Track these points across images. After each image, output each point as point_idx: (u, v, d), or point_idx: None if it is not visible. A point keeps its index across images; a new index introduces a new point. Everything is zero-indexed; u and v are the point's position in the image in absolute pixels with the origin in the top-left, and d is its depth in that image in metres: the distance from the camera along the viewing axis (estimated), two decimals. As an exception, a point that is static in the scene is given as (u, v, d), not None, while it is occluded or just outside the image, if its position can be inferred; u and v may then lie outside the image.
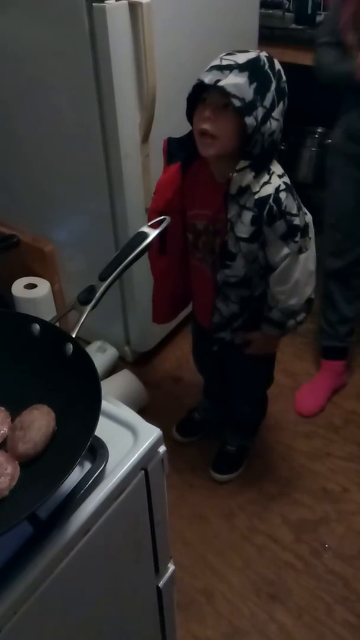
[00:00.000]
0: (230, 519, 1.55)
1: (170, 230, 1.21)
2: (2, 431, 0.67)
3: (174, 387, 1.94)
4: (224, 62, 1.02)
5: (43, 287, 1.89)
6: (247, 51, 1.05)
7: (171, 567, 0.89)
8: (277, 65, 1.07)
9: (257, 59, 1.03)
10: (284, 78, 1.07)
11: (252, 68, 1.02)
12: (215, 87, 1.01)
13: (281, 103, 1.06)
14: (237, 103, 1.01)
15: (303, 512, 1.55)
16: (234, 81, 1.00)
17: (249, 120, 1.02)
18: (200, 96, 1.06)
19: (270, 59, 1.05)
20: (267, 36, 1.97)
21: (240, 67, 1.01)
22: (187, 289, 1.40)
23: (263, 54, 1.05)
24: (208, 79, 1.02)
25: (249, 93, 1.01)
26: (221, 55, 1.04)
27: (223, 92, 1.01)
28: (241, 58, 1.02)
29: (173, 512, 0.84)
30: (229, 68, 1.01)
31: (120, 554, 0.77)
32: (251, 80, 1.01)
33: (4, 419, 0.68)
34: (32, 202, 1.83)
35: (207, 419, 1.75)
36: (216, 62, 1.03)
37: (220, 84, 1.00)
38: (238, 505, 1.57)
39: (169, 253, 1.29)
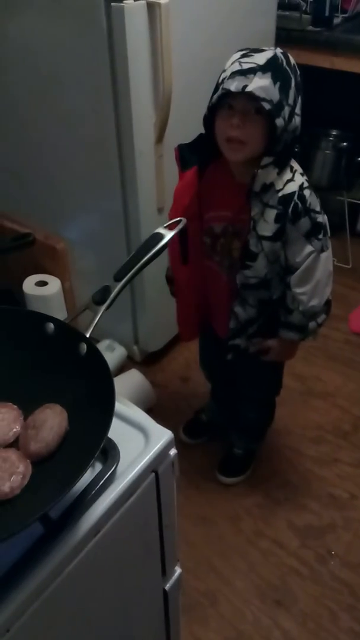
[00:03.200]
0: (236, 522, 1.54)
1: (191, 237, 1.20)
2: (14, 429, 0.67)
3: (182, 387, 1.94)
4: (245, 66, 1.00)
5: (54, 284, 1.89)
6: (261, 50, 1.04)
7: (178, 570, 0.89)
8: (292, 60, 1.06)
9: (275, 58, 1.02)
10: (299, 72, 1.07)
11: (273, 67, 1.01)
12: (243, 94, 1.00)
13: (299, 97, 1.06)
14: (267, 106, 1.00)
15: (309, 518, 1.54)
16: (260, 84, 0.99)
17: (279, 122, 1.02)
18: (223, 102, 1.04)
19: (285, 55, 1.05)
20: (284, 38, 1.97)
21: (263, 69, 1.00)
22: (206, 299, 1.38)
23: (278, 51, 1.04)
24: (234, 86, 1.00)
25: (275, 94, 1.00)
26: (238, 58, 1.03)
27: (252, 97, 0.99)
28: (260, 58, 1.01)
29: (179, 513, 0.83)
30: (252, 71, 0.99)
31: (128, 555, 0.76)
32: (275, 80, 1.00)
33: (17, 418, 0.68)
34: (45, 200, 1.84)
35: (214, 421, 1.75)
36: (236, 67, 1.01)
37: (249, 89, 0.99)
38: (244, 509, 1.57)
39: (192, 261, 1.27)
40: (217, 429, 1.74)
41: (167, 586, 0.88)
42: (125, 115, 1.44)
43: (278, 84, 1.00)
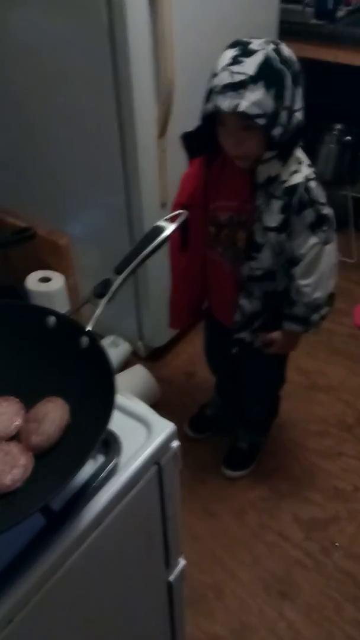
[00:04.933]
0: (241, 515, 1.54)
1: (193, 225, 1.20)
2: (16, 423, 0.67)
3: (187, 382, 1.94)
4: (236, 78, 0.96)
5: (57, 280, 1.90)
6: (252, 51, 0.98)
7: (182, 562, 0.89)
8: (286, 52, 1.01)
9: (267, 61, 0.97)
10: (294, 59, 1.02)
11: (265, 74, 0.97)
12: (236, 113, 0.97)
13: (299, 89, 1.02)
14: (261, 122, 0.98)
15: (314, 511, 1.54)
16: (253, 99, 0.96)
17: (277, 131, 1.01)
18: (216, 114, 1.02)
19: (277, 51, 0.99)
20: (287, 31, 1.95)
21: (254, 79, 0.96)
22: (205, 290, 1.39)
23: (270, 49, 0.98)
24: (226, 105, 0.97)
25: (270, 104, 0.97)
26: (228, 65, 0.97)
27: (245, 115, 0.98)
28: (251, 66, 0.96)
29: (183, 507, 0.83)
30: (243, 85, 0.96)
31: (131, 547, 0.77)
32: (268, 87, 0.96)
33: (18, 411, 0.68)
34: (47, 196, 1.84)
35: (219, 415, 1.75)
36: (227, 78, 0.96)
37: (241, 108, 0.96)
38: (249, 502, 1.57)
39: (191, 249, 1.28)
40: (222, 424, 1.74)
41: (171, 578, 0.89)
42: (127, 109, 1.43)
43: (272, 91, 0.97)
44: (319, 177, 1.14)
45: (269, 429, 1.69)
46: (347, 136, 2.25)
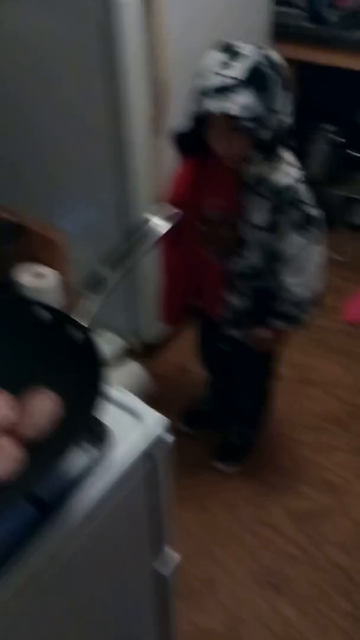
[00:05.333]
0: (233, 509, 1.56)
1: (184, 223, 1.21)
2: (6, 416, 0.68)
3: (181, 378, 1.95)
4: (226, 81, 0.97)
5: (51, 277, 1.90)
6: (241, 55, 0.99)
7: (173, 554, 0.90)
8: (273, 56, 1.03)
9: (257, 66, 0.99)
10: (284, 64, 1.04)
11: (256, 79, 0.98)
12: (225, 116, 0.99)
13: (288, 94, 1.05)
14: (250, 125, 1.00)
15: (305, 504, 1.56)
16: (242, 102, 0.98)
17: (266, 134, 1.03)
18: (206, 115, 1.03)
19: (265, 55, 1.01)
20: (281, 33, 1.96)
21: (244, 83, 0.97)
22: (196, 287, 1.40)
23: (260, 54, 1.00)
24: (216, 108, 0.99)
25: (259, 108, 0.99)
26: (216, 68, 0.99)
27: (235, 118, 0.99)
28: (240, 70, 0.98)
29: (176, 502, 0.85)
30: (233, 89, 0.97)
31: (123, 539, 0.78)
32: (258, 92, 0.98)
33: (9, 404, 0.69)
34: (41, 192, 1.84)
35: (213, 411, 1.76)
36: (216, 81, 0.98)
37: (230, 111, 0.98)
38: (241, 496, 1.59)
39: (182, 246, 1.29)
40: (215, 419, 1.76)
41: (162, 569, 0.90)
42: (122, 108, 1.44)
43: (262, 95, 0.99)
44: (308, 179, 1.15)
45: (262, 423, 1.70)
46: (338, 137, 2.27)
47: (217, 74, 0.98)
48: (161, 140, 1.51)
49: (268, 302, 1.27)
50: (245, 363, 1.47)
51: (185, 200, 1.20)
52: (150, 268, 1.64)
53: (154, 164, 1.55)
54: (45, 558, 0.62)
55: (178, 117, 1.23)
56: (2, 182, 1.92)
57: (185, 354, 2.02)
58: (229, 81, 0.98)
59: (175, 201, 1.19)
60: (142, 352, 2.01)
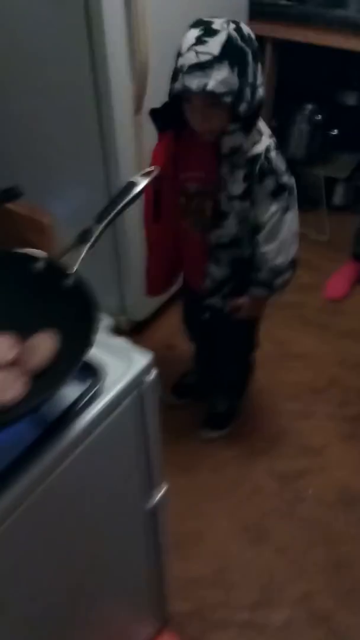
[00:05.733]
0: (219, 471, 1.65)
1: (164, 196, 1.28)
2: (13, 351, 0.76)
3: (168, 354, 2.03)
4: (202, 58, 1.02)
5: (40, 258, 1.96)
6: (214, 31, 1.04)
7: (164, 487, 0.98)
8: (246, 30, 1.08)
9: (229, 40, 1.04)
10: (253, 37, 1.09)
11: (229, 53, 1.03)
12: (204, 92, 1.04)
13: (258, 66, 1.10)
14: (228, 99, 1.06)
15: (287, 465, 1.65)
16: (219, 77, 1.02)
17: (242, 107, 1.08)
18: (184, 93, 1.09)
19: (238, 29, 1.06)
20: (258, 12, 1.97)
21: (219, 59, 1.02)
22: (178, 259, 1.47)
23: (231, 28, 1.05)
24: (194, 84, 1.04)
25: (235, 81, 1.04)
26: (192, 45, 1.04)
27: (212, 94, 1.04)
28: (215, 46, 1.03)
29: (165, 466, 0.93)
30: (209, 65, 1.02)
31: (113, 468, 0.86)
32: (232, 65, 1.03)
33: (15, 342, 0.77)
34: (28, 174, 1.89)
35: (198, 383, 1.85)
36: (193, 58, 1.03)
37: (209, 87, 1.03)
38: (225, 460, 1.68)
39: (164, 219, 1.35)
40: (201, 391, 1.84)
41: (153, 504, 0.97)
42: (104, 87, 1.51)
43: (236, 69, 1.04)
44: (288, 159, 1.22)
45: (244, 392, 1.79)
46: (317, 115, 2.31)
47: (193, 50, 1.04)
48: (143, 118, 1.58)
49: (246, 271, 1.34)
50: (226, 332, 1.54)
51: (164, 173, 1.27)
52: (137, 247, 1.72)
53: (137, 141, 1.62)
54: (43, 473, 0.69)
55: (159, 96, 1.30)
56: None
57: (171, 331, 2.09)
58: (204, 57, 1.03)
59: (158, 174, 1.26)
60: (129, 330, 2.09)
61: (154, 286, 1.54)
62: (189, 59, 1.05)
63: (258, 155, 1.18)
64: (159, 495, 0.97)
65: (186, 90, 1.07)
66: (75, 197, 1.85)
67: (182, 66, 1.06)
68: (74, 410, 0.74)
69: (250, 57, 1.07)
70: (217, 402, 1.78)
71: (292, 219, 1.26)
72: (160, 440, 0.91)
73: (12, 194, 1.55)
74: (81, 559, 0.88)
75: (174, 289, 1.65)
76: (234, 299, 1.39)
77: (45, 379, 0.73)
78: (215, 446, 1.71)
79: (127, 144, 1.62)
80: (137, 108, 1.57)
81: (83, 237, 0.83)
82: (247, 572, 1.42)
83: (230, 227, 1.27)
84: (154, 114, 1.23)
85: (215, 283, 1.37)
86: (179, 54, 1.08)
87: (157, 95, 1.50)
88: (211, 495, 1.59)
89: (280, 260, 1.28)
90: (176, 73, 1.09)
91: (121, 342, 0.86)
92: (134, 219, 1.48)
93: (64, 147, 1.73)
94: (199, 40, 1.04)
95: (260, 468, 1.65)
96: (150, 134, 1.31)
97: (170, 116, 1.21)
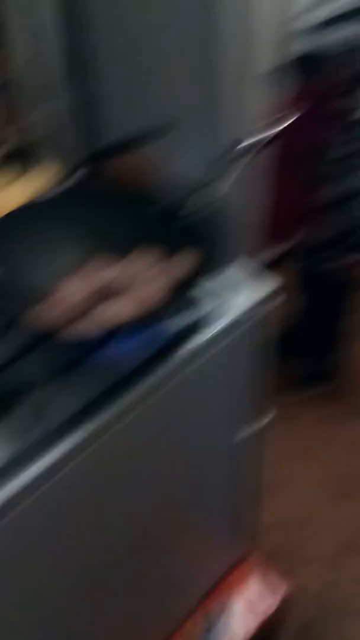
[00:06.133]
0: (317, 424, 1.68)
1: (289, 150, 1.26)
2: (158, 265, 0.80)
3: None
4: (337, 12, 1.05)
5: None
6: None
7: (271, 414, 1.04)
8: None
9: None
10: None
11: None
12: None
13: None
14: None
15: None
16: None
17: None
18: None
19: None
20: None
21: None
22: (303, 209, 1.46)
23: None
24: (340, 35, 1.07)
25: None
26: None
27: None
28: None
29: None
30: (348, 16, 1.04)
31: (219, 395, 0.91)
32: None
33: (159, 258, 0.80)
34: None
35: (304, 336, 1.83)
36: (327, 13, 1.04)
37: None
38: (322, 416, 1.70)
39: (289, 171, 1.33)
40: (305, 345, 1.81)
41: (257, 428, 1.03)
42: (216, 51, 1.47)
43: None
44: None
45: (346, 352, 1.76)
46: None
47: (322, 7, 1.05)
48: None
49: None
50: (332, 291, 1.54)
51: (293, 128, 1.26)
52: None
53: (244, 106, 1.58)
54: (158, 381, 0.74)
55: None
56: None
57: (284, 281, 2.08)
58: (339, 11, 1.04)
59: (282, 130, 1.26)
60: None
61: (275, 234, 1.55)
62: (323, 14, 1.05)
63: None
64: (267, 419, 1.02)
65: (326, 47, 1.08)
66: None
67: (320, 21, 1.07)
68: (199, 325, 0.79)
69: None
70: (318, 359, 1.77)
71: None
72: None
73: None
74: (177, 481, 0.94)
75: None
76: (346, 257, 1.39)
77: (178, 291, 0.77)
78: (312, 403, 1.73)
79: (235, 109, 1.58)
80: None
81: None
82: (334, 521, 1.45)
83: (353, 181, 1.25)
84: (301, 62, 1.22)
85: (330, 240, 1.37)
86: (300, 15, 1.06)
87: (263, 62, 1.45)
88: (306, 448, 1.62)
89: None
90: (309, 30, 1.08)
91: (252, 265, 0.88)
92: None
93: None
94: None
95: (355, 425, 1.64)
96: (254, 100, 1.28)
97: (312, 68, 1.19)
